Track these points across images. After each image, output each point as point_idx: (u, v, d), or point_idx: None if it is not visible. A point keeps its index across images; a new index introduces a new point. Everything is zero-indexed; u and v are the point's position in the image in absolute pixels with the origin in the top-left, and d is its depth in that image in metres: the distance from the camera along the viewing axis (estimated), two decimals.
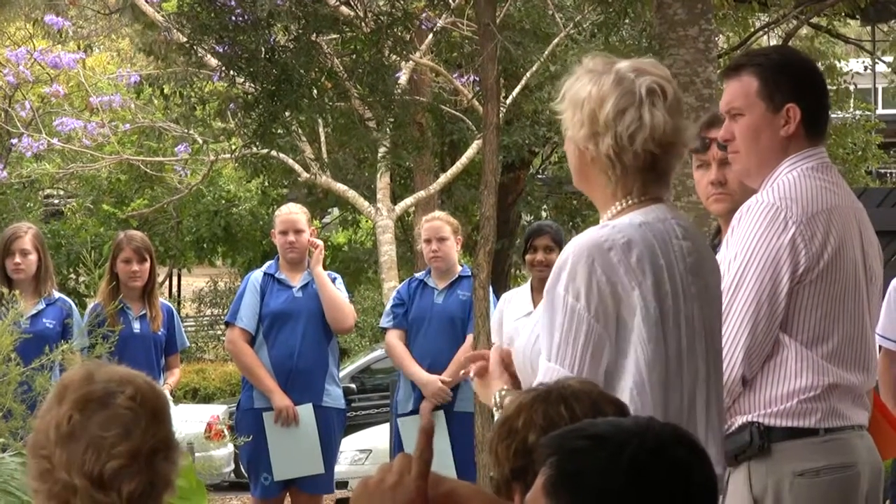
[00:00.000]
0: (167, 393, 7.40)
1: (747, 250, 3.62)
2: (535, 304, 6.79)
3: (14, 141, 17.65)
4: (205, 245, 25.37)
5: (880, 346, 5.94)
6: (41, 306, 7.55)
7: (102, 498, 2.62)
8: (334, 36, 9.22)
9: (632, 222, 3.22)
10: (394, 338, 8.15)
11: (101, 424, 2.63)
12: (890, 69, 19.75)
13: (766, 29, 15.71)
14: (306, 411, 7.84)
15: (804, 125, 3.75)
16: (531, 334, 3.38)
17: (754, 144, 3.79)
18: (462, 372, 3.67)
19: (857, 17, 14.97)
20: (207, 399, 21.45)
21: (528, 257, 7.32)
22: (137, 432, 2.64)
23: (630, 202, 3.27)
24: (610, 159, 3.24)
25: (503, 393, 3.43)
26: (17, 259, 7.52)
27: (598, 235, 3.19)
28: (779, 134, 3.75)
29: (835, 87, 18.28)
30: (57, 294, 7.73)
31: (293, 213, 8.04)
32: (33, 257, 7.58)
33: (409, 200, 13.10)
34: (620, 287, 3.15)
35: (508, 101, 11.44)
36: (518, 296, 7.33)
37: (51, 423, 2.67)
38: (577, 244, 3.20)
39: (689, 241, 3.28)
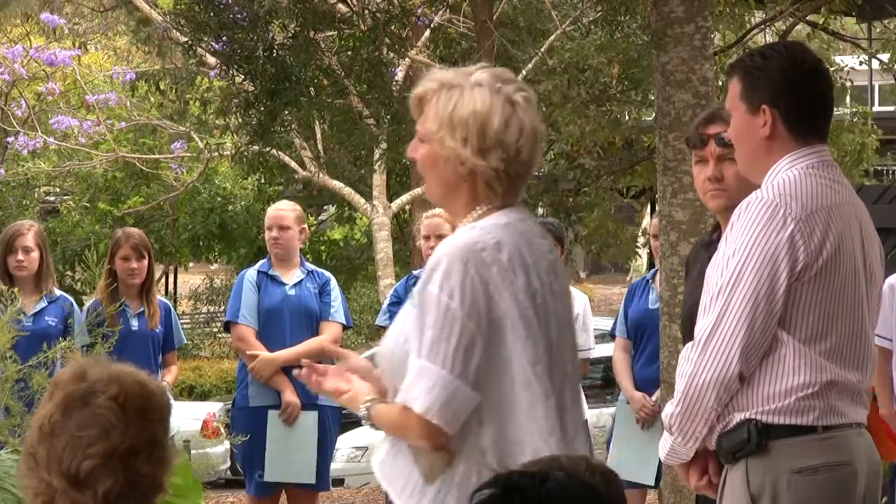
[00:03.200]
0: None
1: (745, 246, 3.62)
2: None
3: (10, 139, 17.66)
4: (201, 242, 25.39)
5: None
6: (43, 304, 7.53)
7: (79, 497, 2.61)
8: (331, 33, 9.22)
9: (497, 223, 3.30)
10: None
11: (80, 424, 2.62)
12: (884, 68, 19.71)
13: (762, 26, 15.68)
14: (311, 418, 7.82)
15: (786, 125, 3.76)
16: (398, 336, 3.39)
17: (741, 145, 3.85)
18: (295, 373, 3.73)
19: (853, 14, 14.94)
20: (203, 396, 21.44)
21: None
22: (116, 433, 2.62)
23: (491, 205, 3.34)
24: (497, 171, 3.31)
25: (368, 403, 3.49)
26: (20, 256, 7.51)
27: (469, 237, 3.26)
28: (758, 135, 3.78)
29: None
30: (58, 292, 7.71)
31: (280, 209, 8.06)
32: (35, 255, 7.57)
33: (405, 198, 13.10)
34: (493, 287, 3.22)
35: None
36: None
37: (37, 421, 2.68)
38: (450, 246, 3.26)
39: (547, 240, 3.39)
